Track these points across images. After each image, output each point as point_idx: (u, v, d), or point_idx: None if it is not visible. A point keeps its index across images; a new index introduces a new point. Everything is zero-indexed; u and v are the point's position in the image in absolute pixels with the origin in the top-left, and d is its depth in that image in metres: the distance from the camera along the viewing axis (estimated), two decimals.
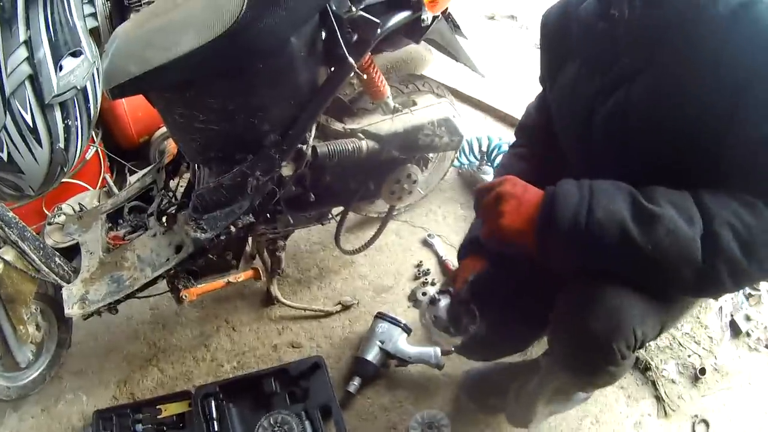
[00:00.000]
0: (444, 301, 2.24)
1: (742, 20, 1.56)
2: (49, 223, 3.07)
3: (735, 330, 3.13)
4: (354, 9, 2.53)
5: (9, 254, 2.58)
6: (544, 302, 2.18)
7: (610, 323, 1.79)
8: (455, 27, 3.18)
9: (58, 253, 2.76)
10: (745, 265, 1.55)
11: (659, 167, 1.73)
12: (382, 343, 2.93)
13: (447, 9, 2.93)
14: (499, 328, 2.33)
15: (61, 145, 2.03)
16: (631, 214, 1.59)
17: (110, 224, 3.06)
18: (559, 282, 2.02)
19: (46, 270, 2.65)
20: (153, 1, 3.80)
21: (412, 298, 3.36)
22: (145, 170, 3.27)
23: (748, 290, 3.18)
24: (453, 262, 3.48)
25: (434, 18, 2.80)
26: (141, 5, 3.79)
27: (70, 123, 2.03)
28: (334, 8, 2.50)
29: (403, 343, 2.95)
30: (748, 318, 3.17)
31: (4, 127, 1.88)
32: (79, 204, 3.19)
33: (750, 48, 1.55)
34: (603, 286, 1.80)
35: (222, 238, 2.64)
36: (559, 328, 2.01)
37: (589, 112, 1.93)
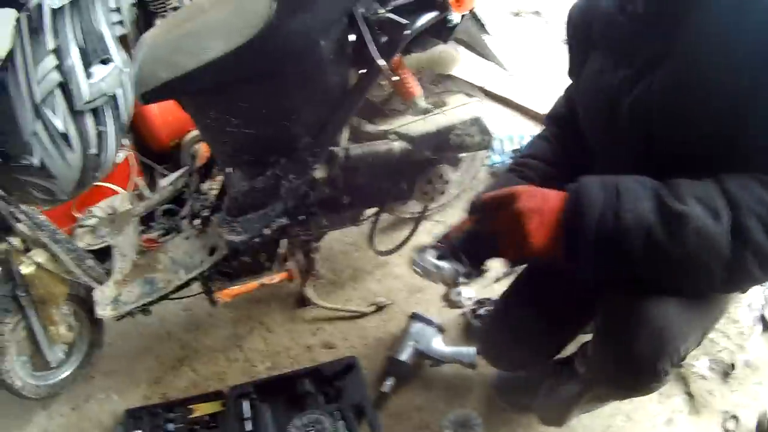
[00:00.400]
0: (432, 251, 2.15)
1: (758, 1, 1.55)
2: (80, 226, 3.10)
3: (765, 324, 3.11)
4: (381, 10, 2.54)
5: (40, 256, 2.61)
6: (572, 310, 2.20)
7: (655, 345, 1.79)
8: (481, 25, 3.18)
9: (90, 255, 2.80)
10: None
11: (683, 155, 1.71)
12: (416, 343, 2.93)
13: (473, 8, 2.94)
14: (524, 336, 2.34)
15: (94, 150, 2.06)
16: (659, 217, 1.55)
17: (143, 227, 3.10)
18: (588, 290, 2.03)
19: (79, 272, 2.69)
20: (178, 7, 3.84)
21: (446, 299, 3.35)
22: (178, 173, 3.30)
23: None
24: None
25: (461, 17, 2.81)
26: (166, 11, 3.82)
27: (102, 129, 2.06)
28: (362, 10, 2.51)
29: (437, 343, 2.95)
30: None
31: (35, 133, 1.91)
32: (111, 207, 3.22)
33: (766, 27, 1.54)
34: (645, 303, 1.78)
35: (256, 240, 2.66)
36: (601, 347, 2.01)
37: (613, 103, 1.91)
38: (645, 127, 1.82)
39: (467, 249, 1.97)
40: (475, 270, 2.01)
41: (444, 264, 1.98)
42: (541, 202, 1.67)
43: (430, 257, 1.99)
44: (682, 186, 1.58)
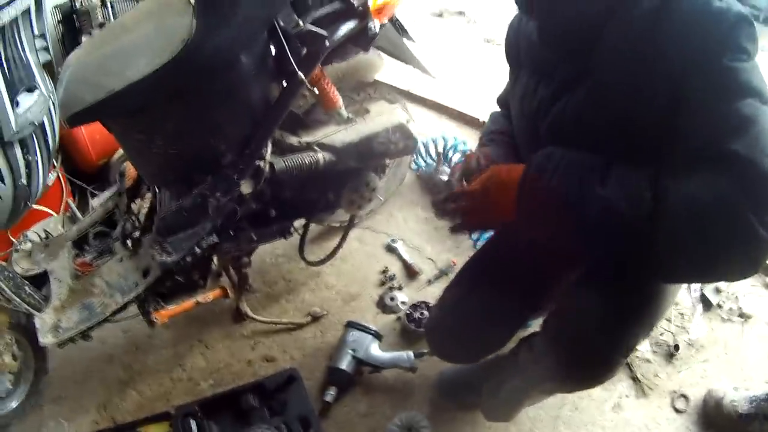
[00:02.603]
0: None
1: (670, 13, 1.59)
2: (16, 250, 3.07)
3: (706, 304, 3.18)
4: (301, 23, 2.55)
5: None
6: (519, 300, 2.25)
7: (608, 339, 1.88)
8: (402, 30, 3.21)
9: (27, 282, 2.78)
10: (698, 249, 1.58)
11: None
12: (354, 351, 2.96)
13: (393, 15, 2.96)
14: (477, 324, 2.37)
15: (24, 180, 2.05)
16: (579, 191, 1.67)
17: (77, 251, 3.06)
18: (535, 281, 2.09)
19: (18, 300, 2.66)
20: (104, 22, 3.80)
21: (381, 305, 3.38)
22: (106, 193, 3.29)
23: None
24: (418, 264, 3.54)
25: (381, 26, 2.83)
26: (93, 26, 3.79)
27: (30, 158, 2.05)
28: (281, 24, 2.52)
29: (375, 350, 2.98)
30: (717, 290, 3.24)
31: None
32: (44, 230, 3.19)
33: (680, 38, 1.59)
34: (594, 297, 1.88)
35: (188, 259, 2.65)
36: (553, 342, 2.07)
37: (534, 125, 2.00)
38: (565, 144, 1.87)
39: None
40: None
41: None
42: (505, 174, 1.87)
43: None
44: (615, 172, 1.67)
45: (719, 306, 3.19)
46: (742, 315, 3.18)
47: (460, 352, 2.59)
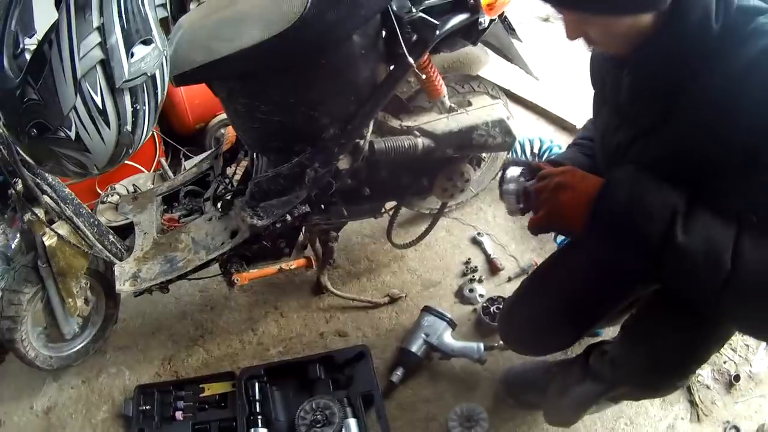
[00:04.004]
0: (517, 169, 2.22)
1: (758, 70, 1.56)
2: (102, 202, 3.15)
3: None
4: (414, 10, 2.58)
5: (63, 229, 2.66)
6: (600, 301, 2.27)
7: (687, 351, 1.93)
8: (511, 29, 3.21)
9: (112, 231, 2.86)
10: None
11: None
12: (427, 336, 2.98)
13: (504, 12, 2.97)
14: (548, 319, 2.38)
15: (129, 128, 2.10)
16: (660, 240, 1.64)
17: (165, 206, 3.16)
18: (618, 287, 2.11)
19: (100, 247, 2.74)
20: None
21: (459, 295, 3.40)
22: (203, 155, 3.35)
23: None
24: (501, 261, 3.54)
25: (491, 21, 2.84)
26: None
27: (138, 107, 2.09)
28: (395, 9, 2.55)
29: (447, 337, 3.00)
30: None
31: (74, 107, 1.96)
32: (134, 185, 3.27)
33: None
34: (674, 313, 1.92)
35: (277, 226, 2.71)
36: (631, 351, 2.09)
37: (613, 159, 1.99)
38: None
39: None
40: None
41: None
42: (579, 181, 1.85)
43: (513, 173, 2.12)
44: (700, 219, 1.64)
45: None
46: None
47: (530, 342, 2.60)
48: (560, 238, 3.53)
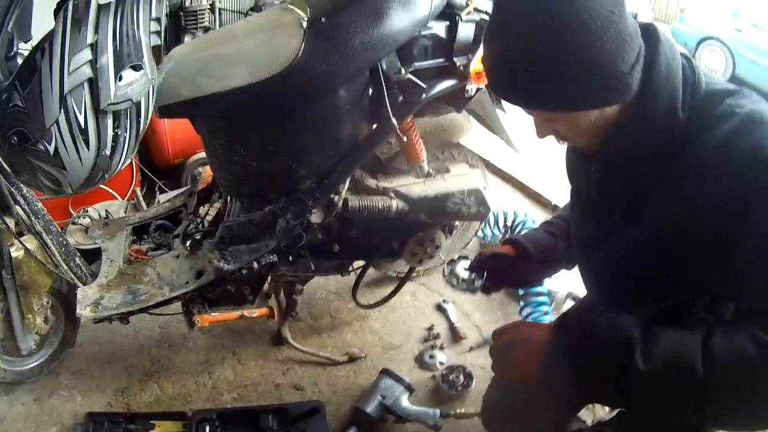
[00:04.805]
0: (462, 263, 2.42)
1: (722, 157, 1.57)
2: (74, 223, 3.13)
3: None
4: (403, 71, 2.60)
5: (31, 243, 2.65)
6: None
7: None
8: (496, 100, 3.24)
9: (78, 254, 2.83)
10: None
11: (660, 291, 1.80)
12: (384, 398, 2.95)
13: None
14: (533, 408, 2.36)
15: (107, 152, 2.09)
16: (618, 370, 1.60)
17: (135, 237, 3.14)
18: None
19: (65, 267, 2.71)
20: (210, 27, 3.91)
21: (419, 360, 3.37)
22: (178, 191, 3.35)
23: None
24: (464, 329, 3.53)
25: (478, 89, 2.87)
26: (197, 29, 3.89)
27: (119, 132, 2.09)
28: (384, 67, 2.57)
29: (404, 401, 2.96)
30: None
31: (57, 122, 1.95)
32: (106, 210, 3.26)
33: (741, 175, 1.55)
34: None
35: (243, 272, 2.69)
36: None
37: (587, 251, 2.03)
38: (613, 278, 1.91)
39: (487, 269, 2.37)
40: (490, 287, 2.45)
41: (468, 275, 2.39)
42: (528, 333, 1.86)
43: (461, 267, 2.20)
44: (661, 339, 1.60)
45: None
46: None
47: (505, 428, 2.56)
48: (525, 311, 3.54)
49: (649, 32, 1.69)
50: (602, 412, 2.79)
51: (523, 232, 2.61)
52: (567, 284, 3.50)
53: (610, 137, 1.72)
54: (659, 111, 1.64)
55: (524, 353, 1.80)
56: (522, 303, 3.62)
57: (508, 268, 2.41)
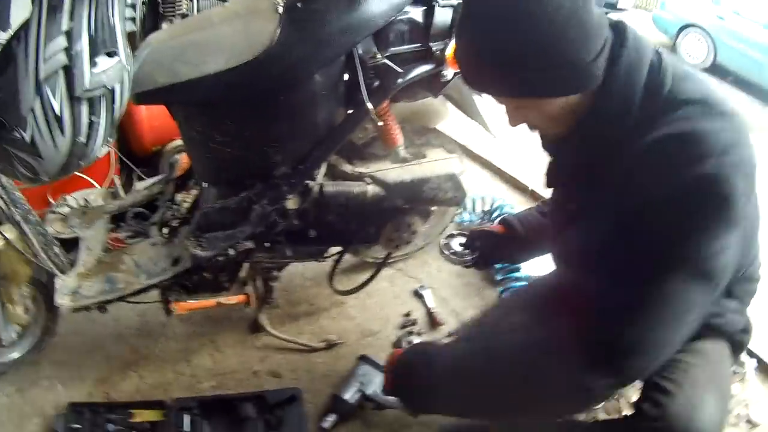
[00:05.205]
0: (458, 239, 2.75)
1: (649, 157, 1.65)
2: (53, 212, 3.11)
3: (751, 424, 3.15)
4: (379, 56, 2.60)
5: (11, 233, 2.63)
6: None
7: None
8: None
9: (57, 243, 2.81)
10: None
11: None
12: (362, 385, 2.94)
13: None
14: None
15: (83, 139, 2.08)
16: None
17: (112, 225, 3.12)
18: None
19: (44, 256, 2.69)
20: (187, 14, 3.88)
21: (397, 346, 3.36)
22: (155, 179, 3.32)
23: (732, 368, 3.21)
24: (442, 315, 3.53)
25: (455, 74, 2.86)
26: (175, 16, 3.86)
27: (94, 119, 2.08)
28: (360, 52, 2.57)
29: (382, 388, 2.96)
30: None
31: (32, 110, 1.94)
32: (84, 199, 3.23)
33: (650, 177, 1.65)
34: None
35: (220, 259, 2.69)
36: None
37: (555, 236, 2.13)
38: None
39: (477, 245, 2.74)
40: (481, 262, 2.86)
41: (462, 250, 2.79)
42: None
43: (456, 242, 2.72)
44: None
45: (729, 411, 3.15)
46: (749, 422, 3.13)
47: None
48: (503, 286, 3.57)
49: (618, 31, 1.75)
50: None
51: (514, 213, 2.75)
52: (545, 268, 3.52)
53: (572, 128, 1.77)
54: (613, 109, 1.71)
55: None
56: (500, 288, 3.63)
57: (496, 244, 2.67)
